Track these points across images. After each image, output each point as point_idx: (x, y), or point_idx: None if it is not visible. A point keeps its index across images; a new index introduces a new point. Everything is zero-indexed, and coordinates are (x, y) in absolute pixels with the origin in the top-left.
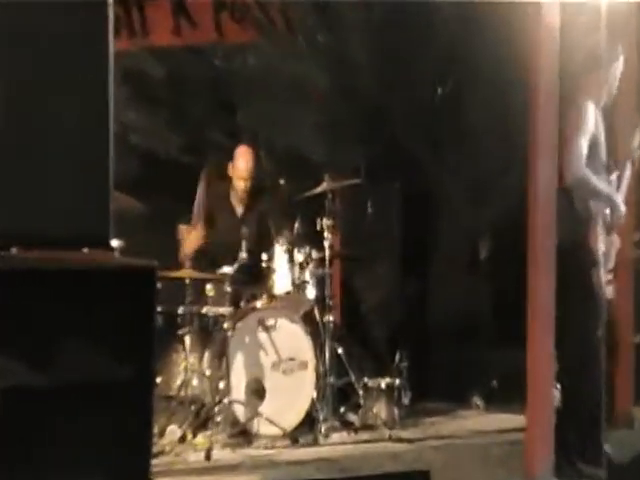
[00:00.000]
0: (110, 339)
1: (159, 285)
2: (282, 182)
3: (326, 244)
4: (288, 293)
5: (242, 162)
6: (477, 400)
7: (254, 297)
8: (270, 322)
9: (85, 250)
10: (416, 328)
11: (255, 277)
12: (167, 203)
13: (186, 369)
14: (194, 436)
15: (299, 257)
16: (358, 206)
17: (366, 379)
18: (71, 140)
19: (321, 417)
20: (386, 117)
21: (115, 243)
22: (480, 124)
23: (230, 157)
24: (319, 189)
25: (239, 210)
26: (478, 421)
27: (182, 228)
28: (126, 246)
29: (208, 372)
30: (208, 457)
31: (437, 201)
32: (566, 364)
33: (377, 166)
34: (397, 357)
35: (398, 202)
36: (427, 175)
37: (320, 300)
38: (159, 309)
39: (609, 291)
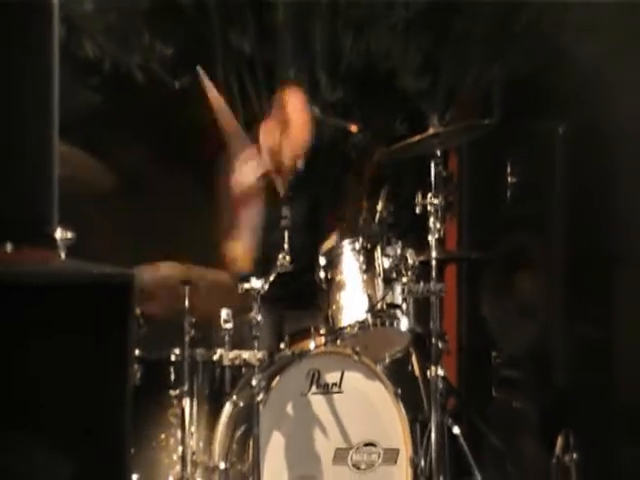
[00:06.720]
0: (46, 415)
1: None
2: (353, 128)
3: (433, 239)
4: (364, 326)
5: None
6: None
7: (303, 333)
8: (331, 378)
9: (8, 248)
10: (595, 395)
11: (304, 297)
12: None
13: (184, 459)
14: None
15: (384, 262)
16: (489, 170)
17: None
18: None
19: None
20: None
21: (61, 235)
22: None
23: None
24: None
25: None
26: None
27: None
28: (79, 240)
29: (222, 464)
30: None
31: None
32: None
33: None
34: (559, 445)
35: (562, 152)
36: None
37: (422, 339)
38: (138, 353)
39: None
